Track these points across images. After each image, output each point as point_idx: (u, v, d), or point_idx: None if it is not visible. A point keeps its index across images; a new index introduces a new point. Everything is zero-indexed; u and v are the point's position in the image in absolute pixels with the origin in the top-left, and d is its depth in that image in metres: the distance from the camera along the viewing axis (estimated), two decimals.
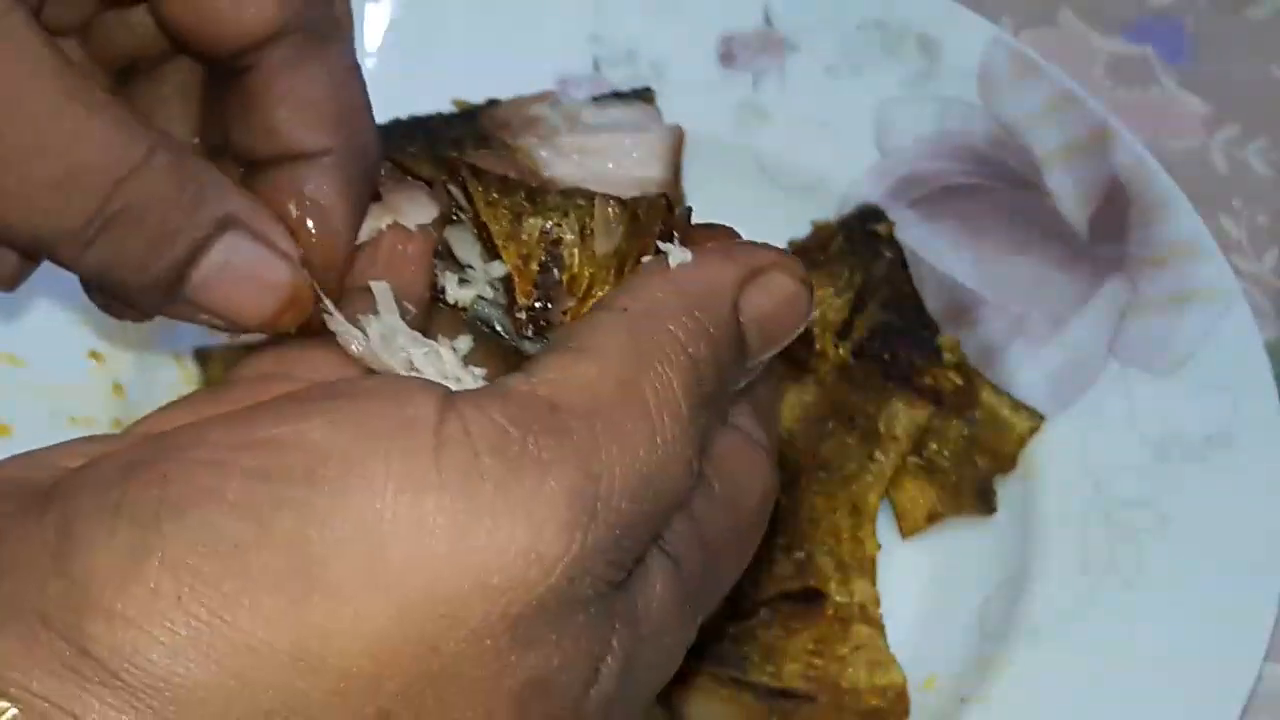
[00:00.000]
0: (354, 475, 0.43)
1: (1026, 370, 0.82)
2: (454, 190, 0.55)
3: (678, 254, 0.50)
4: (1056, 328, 0.82)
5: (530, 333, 0.52)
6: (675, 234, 0.52)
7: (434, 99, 0.84)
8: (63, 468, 0.45)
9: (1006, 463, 0.80)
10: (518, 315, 0.52)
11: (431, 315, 0.55)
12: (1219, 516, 0.77)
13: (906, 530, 0.80)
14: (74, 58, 0.56)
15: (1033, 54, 0.87)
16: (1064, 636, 0.75)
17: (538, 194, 0.53)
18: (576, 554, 0.43)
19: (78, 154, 0.50)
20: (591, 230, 0.52)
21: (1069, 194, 0.85)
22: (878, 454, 0.79)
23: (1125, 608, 0.75)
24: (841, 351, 0.81)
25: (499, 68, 0.86)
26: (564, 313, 0.52)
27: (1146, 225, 0.83)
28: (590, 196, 0.53)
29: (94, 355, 0.82)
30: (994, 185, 0.85)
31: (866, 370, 0.80)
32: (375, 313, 0.52)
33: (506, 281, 0.53)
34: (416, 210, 0.56)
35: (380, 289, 0.53)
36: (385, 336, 0.52)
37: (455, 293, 0.54)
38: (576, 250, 0.52)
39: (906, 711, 0.76)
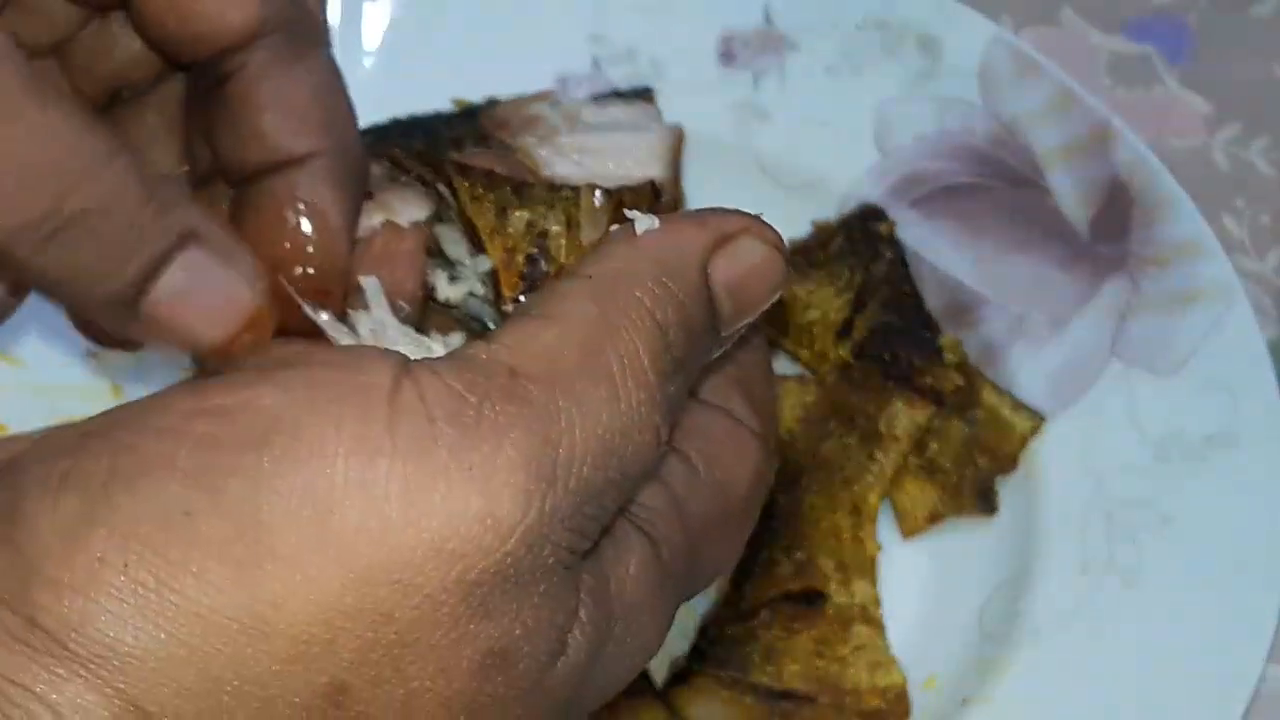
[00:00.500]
0: (305, 441, 0.42)
1: (1027, 370, 0.82)
2: (442, 188, 0.55)
3: (645, 221, 0.49)
4: (1057, 327, 0.82)
5: None
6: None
7: (434, 98, 0.84)
8: (27, 443, 0.45)
9: (1007, 463, 0.80)
10: (504, 308, 0.52)
11: (427, 314, 0.55)
12: (1220, 516, 0.77)
13: (907, 530, 0.80)
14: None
15: (1034, 53, 0.86)
16: (1064, 636, 0.75)
17: (523, 188, 0.53)
18: (534, 521, 0.43)
19: (34, 150, 0.50)
20: (577, 221, 0.52)
21: (1070, 193, 0.84)
22: (878, 454, 0.79)
23: (1125, 608, 0.75)
24: (842, 351, 0.81)
25: (499, 67, 0.86)
26: None
27: (1148, 225, 0.83)
28: (576, 189, 0.52)
29: (94, 355, 0.82)
30: (994, 185, 0.85)
31: (867, 370, 0.80)
32: (366, 308, 0.52)
33: (494, 275, 0.53)
34: (409, 208, 0.56)
35: (370, 284, 0.52)
36: (375, 331, 0.51)
37: (446, 290, 0.54)
38: (563, 241, 0.52)
39: (907, 712, 0.75)
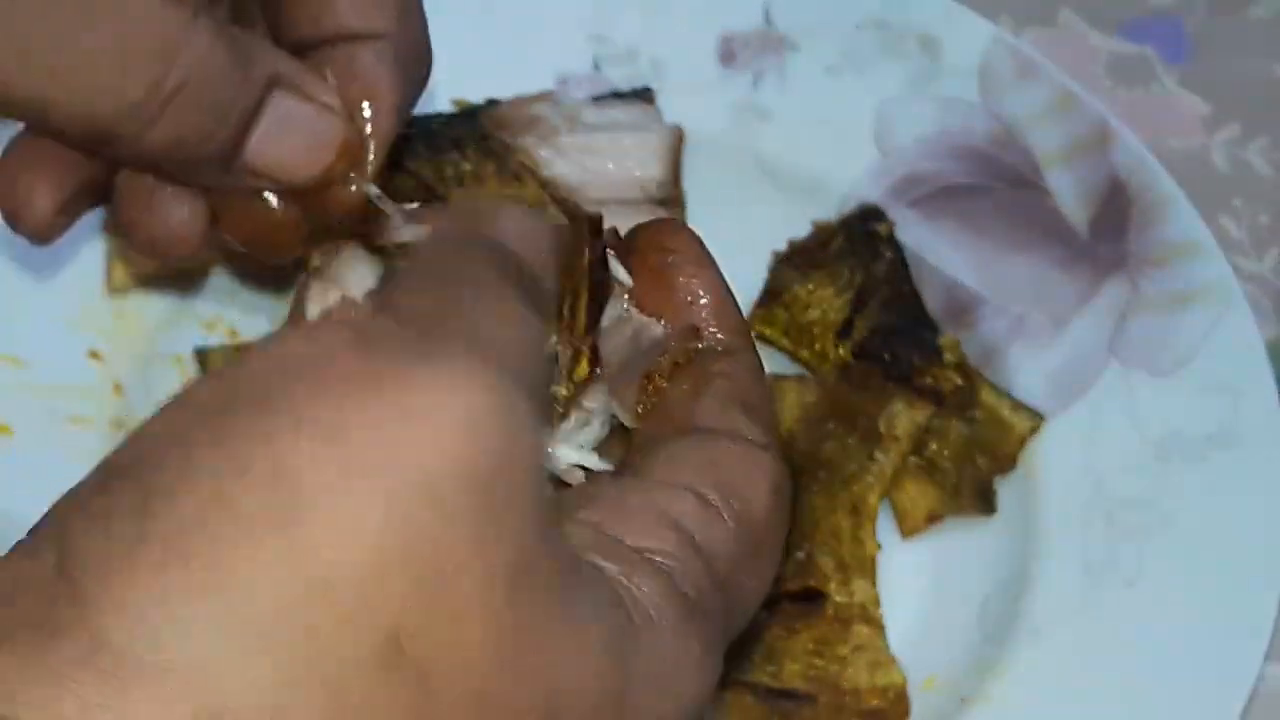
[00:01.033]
0: (306, 382, 0.41)
1: (1027, 370, 0.82)
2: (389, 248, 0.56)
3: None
4: (1057, 328, 0.82)
5: None
6: (610, 254, 0.51)
7: (434, 99, 0.84)
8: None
9: (1007, 463, 0.80)
10: None
11: None
12: (1220, 517, 0.77)
13: (906, 530, 0.80)
14: None
15: (1033, 53, 0.86)
16: (1064, 636, 0.75)
17: None
18: (504, 398, 0.42)
19: (125, 22, 0.50)
20: None
21: (1069, 194, 0.84)
22: (878, 454, 0.79)
23: (1125, 608, 0.75)
24: (841, 351, 0.81)
25: (499, 67, 0.86)
26: None
27: (1147, 225, 0.83)
28: None
29: (94, 355, 0.82)
30: (994, 185, 0.85)
31: (867, 370, 0.80)
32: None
33: None
34: (358, 277, 0.57)
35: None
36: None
37: None
38: None
39: (907, 712, 0.76)
